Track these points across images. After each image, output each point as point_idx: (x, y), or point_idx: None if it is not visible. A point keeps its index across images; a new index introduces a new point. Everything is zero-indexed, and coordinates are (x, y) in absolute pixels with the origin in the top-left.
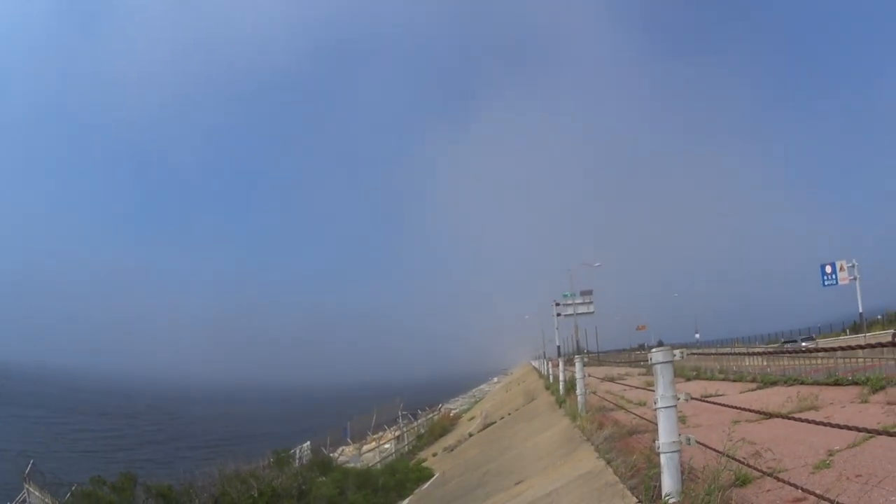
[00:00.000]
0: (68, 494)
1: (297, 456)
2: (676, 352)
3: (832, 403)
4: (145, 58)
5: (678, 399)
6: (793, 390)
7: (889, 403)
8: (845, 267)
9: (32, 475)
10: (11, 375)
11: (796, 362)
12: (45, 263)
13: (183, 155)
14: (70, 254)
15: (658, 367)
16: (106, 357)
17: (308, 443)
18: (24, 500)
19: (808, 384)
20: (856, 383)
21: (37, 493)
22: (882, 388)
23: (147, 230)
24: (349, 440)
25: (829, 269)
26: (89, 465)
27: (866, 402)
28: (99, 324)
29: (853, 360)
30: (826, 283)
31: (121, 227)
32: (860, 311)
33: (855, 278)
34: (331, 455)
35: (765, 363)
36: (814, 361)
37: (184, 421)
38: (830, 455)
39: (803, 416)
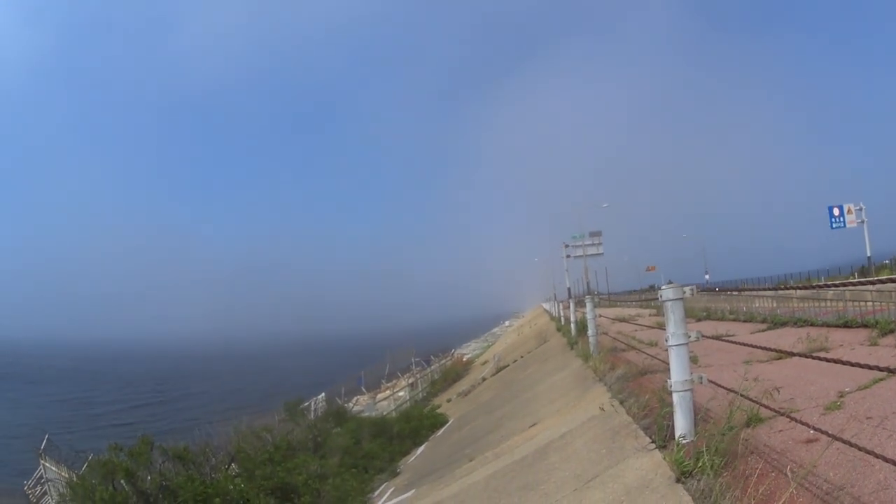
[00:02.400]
0: (85, 465)
1: (313, 408)
2: (686, 288)
3: (842, 345)
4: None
5: (689, 337)
6: (802, 331)
7: None
8: (853, 210)
9: (48, 450)
10: (23, 353)
11: (806, 304)
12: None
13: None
14: (73, 230)
15: (669, 304)
16: (118, 326)
17: (323, 394)
18: (41, 476)
19: (817, 325)
20: (865, 325)
21: (53, 468)
22: (891, 331)
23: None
24: (363, 389)
25: (836, 211)
26: (107, 434)
27: (876, 344)
28: (109, 295)
29: (862, 302)
30: (834, 225)
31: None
32: (868, 254)
33: (863, 221)
34: (345, 405)
35: (774, 304)
36: (823, 303)
37: (196, 380)
38: (841, 396)
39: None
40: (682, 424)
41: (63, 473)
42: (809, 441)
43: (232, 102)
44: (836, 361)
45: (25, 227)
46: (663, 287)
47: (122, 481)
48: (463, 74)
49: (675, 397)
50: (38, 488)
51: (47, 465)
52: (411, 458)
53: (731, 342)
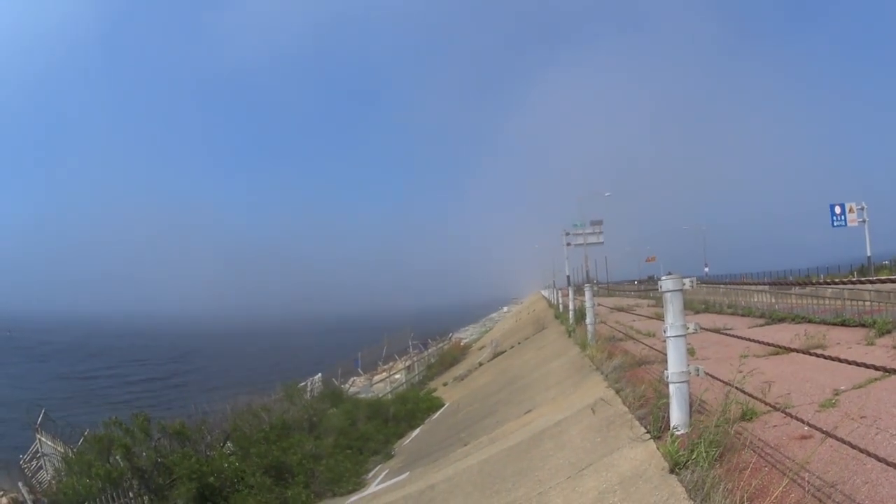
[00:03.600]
0: (81, 440)
1: (309, 388)
2: (686, 280)
3: (839, 343)
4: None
5: (688, 329)
6: (800, 328)
7: (895, 347)
8: (854, 209)
9: (44, 425)
10: (25, 326)
11: (804, 301)
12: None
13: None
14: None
15: (668, 295)
16: (122, 302)
17: (319, 375)
18: (37, 451)
19: (815, 323)
20: (863, 325)
21: (49, 443)
22: (888, 331)
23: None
24: (360, 371)
25: (838, 209)
26: (106, 410)
27: (872, 344)
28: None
29: (860, 301)
30: (835, 223)
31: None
32: (868, 254)
33: (864, 221)
34: (342, 386)
35: (773, 300)
36: (822, 301)
37: (196, 358)
38: (836, 395)
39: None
40: (677, 416)
41: (59, 448)
42: (803, 437)
43: (254, 85)
44: (832, 359)
45: (42, 202)
46: (663, 278)
47: (117, 457)
48: (482, 67)
49: (672, 388)
50: (34, 462)
51: (43, 439)
52: (406, 441)
53: (730, 335)
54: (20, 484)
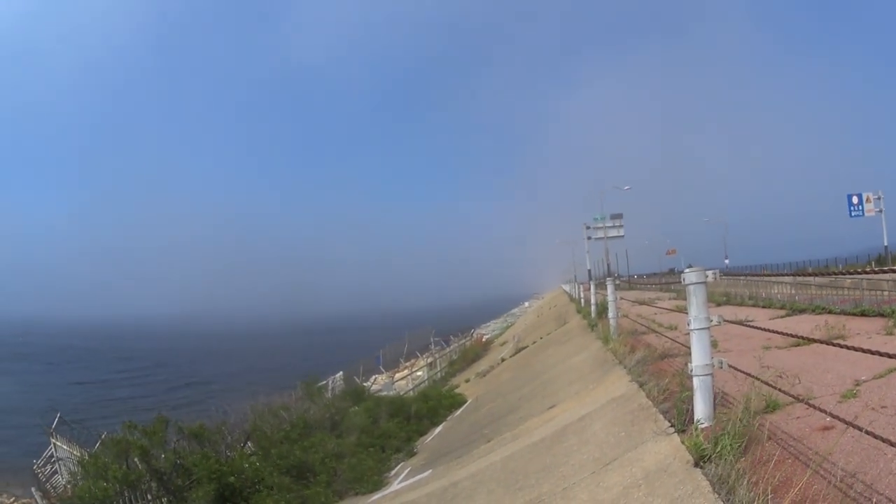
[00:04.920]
0: (98, 443)
1: (330, 386)
2: (709, 272)
3: (858, 334)
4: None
5: (711, 321)
6: (820, 318)
7: None
8: (871, 199)
9: (59, 429)
10: (34, 330)
11: (824, 292)
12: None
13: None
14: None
15: (691, 287)
16: (129, 305)
17: (341, 373)
18: (52, 455)
19: (835, 313)
20: (881, 315)
21: (64, 447)
22: None
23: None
24: (382, 369)
25: (855, 199)
26: (126, 414)
27: (892, 334)
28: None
29: (878, 291)
30: (852, 213)
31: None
32: (885, 243)
33: (881, 210)
34: (363, 384)
35: (793, 291)
36: (841, 292)
37: (219, 360)
38: (857, 385)
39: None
40: (701, 409)
41: (75, 452)
42: (825, 428)
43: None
44: (852, 349)
45: (49, 208)
46: (686, 271)
47: (135, 459)
48: (508, 67)
49: (696, 381)
50: (48, 467)
51: (58, 443)
52: (428, 438)
53: (751, 327)
54: (33, 489)
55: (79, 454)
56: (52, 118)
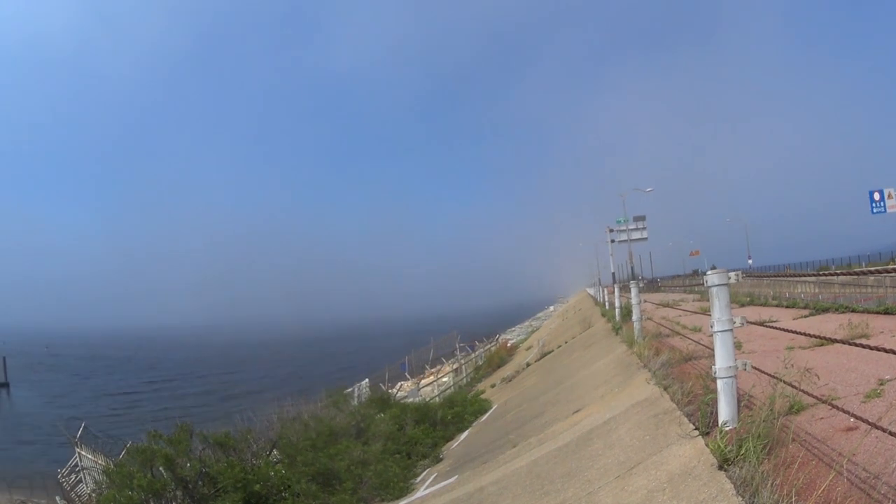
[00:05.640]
0: (122, 452)
1: (356, 394)
2: (732, 274)
3: (882, 332)
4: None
5: (735, 323)
6: (844, 317)
7: None
8: (893, 195)
9: (84, 438)
10: (58, 342)
11: (847, 290)
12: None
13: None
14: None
15: (714, 289)
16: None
17: (366, 380)
18: (76, 464)
19: (858, 312)
20: None
21: (89, 456)
22: None
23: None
24: (407, 375)
25: (877, 195)
26: (149, 424)
27: None
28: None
29: None
30: (874, 210)
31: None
32: None
33: None
34: (389, 391)
35: (816, 290)
36: (864, 290)
37: (243, 366)
38: (881, 384)
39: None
40: (725, 411)
41: (99, 461)
42: (849, 429)
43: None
44: (876, 349)
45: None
46: (708, 272)
47: (160, 468)
48: (534, 74)
49: (720, 384)
50: (73, 476)
51: (83, 452)
52: (454, 444)
53: (775, 328)
54: (58, 498)
55: (103, 463)
56: (80, 131)
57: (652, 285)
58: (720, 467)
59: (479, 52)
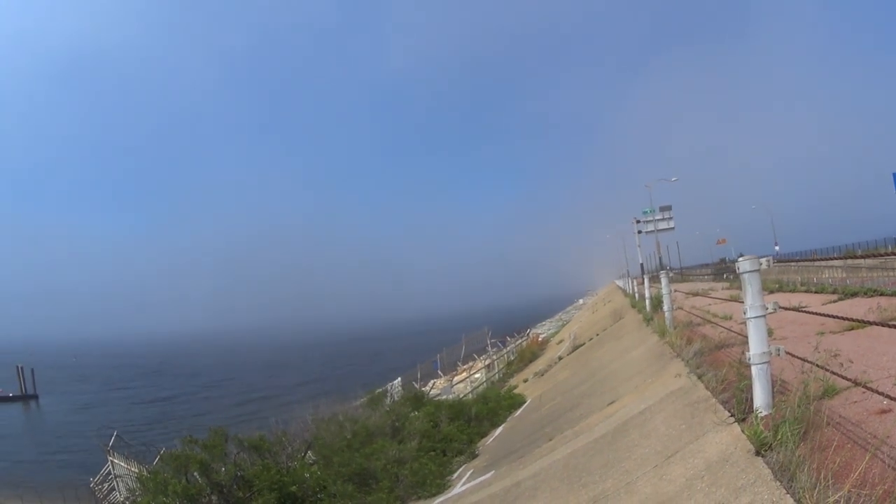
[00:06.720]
0: (157, 458)
1: (389, 392)
2: (763, 259)
3: None
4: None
5: (767, 309)
6: (873, 301)
7: None
8: None
9: (117, 446)
10: (83, 352)
11: (874, 274)
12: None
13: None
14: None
15: (745, 276)
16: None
17: (399, 379)
18: (109, 472)
19: (887, 295)
20: None
21: (122, 464)
22: None
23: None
24: (440, 372)
25: None
26: (183, 431)
27: None
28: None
29: None
30: None
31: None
32: None
33: None
34: (422, 389)
35: (844, 275)
36: (892, 273)
37: (273, 370)
38: None
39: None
40: (760, 397)
41: (133, 468)
42: (883, 412)
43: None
44: None
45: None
46: (740, 259)
47: (195, 473)
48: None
49: (754, 370)
50: (105, 485)
51: (115, 461)
52: (489, 440)
53: (805, 312)
54: None
55: (137, 470)
56: (106, 139)
57: (680, 275)
58: (757, 453)
59: (506, 53)
